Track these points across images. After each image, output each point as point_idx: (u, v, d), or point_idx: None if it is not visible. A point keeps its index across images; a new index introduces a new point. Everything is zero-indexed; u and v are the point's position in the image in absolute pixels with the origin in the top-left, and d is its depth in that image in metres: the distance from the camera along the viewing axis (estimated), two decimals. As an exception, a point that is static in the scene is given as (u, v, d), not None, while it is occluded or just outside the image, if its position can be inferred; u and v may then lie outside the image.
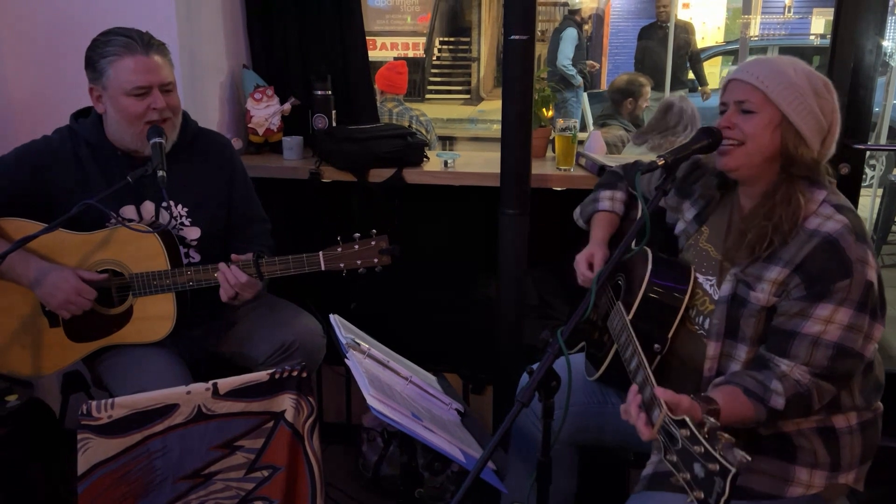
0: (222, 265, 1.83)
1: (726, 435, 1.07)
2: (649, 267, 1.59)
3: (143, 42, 1.80)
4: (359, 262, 1.80)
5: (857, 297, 1.36)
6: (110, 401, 1.50)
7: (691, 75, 7.06)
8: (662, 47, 6.76)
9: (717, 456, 1.04)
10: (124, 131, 1.84)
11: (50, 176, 1.87)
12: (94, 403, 1.49)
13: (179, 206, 1.95)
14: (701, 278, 1.59)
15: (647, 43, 6.84)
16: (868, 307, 1.37)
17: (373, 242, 1.79)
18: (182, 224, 1.96)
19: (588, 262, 1.79)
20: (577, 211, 1.95)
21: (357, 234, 1.80)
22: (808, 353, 1.38)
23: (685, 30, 6.97)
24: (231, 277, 1.81)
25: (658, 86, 6.71)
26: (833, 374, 1.39)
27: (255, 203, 2.12)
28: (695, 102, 3.34)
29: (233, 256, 1.85)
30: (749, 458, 1.04)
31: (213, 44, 2.53)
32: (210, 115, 2.50)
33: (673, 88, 6.79)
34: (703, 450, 1.07)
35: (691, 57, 6.94)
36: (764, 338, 1.47)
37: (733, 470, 1.02)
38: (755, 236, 1.45)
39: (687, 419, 1.12)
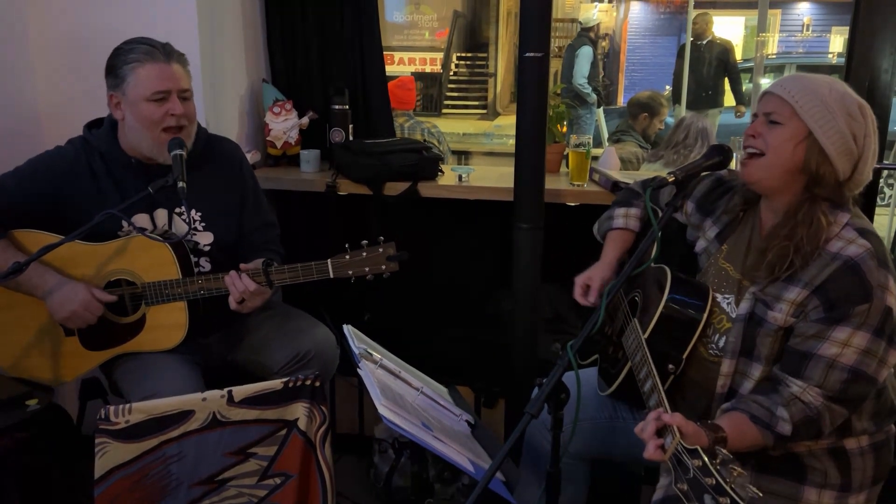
0: (232, 273, 1.85)
1: (738, 469, 1.07)
2: (668, 287, 1.58)
3: (164, 51, 1.84)
4: (367, 268, 1.82)
5: (876, 322, 1.36)
6: (128, 406, 1.53)
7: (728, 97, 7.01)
8: (701, 65, 6.74)
9: (729, 490, 1.04)
10: (142, 138, 1.87)
11: (65, 186, 1.89)
12: (112, 408, 1.51)
13: (193, 211, 1.97)
14: (719, 297, 1.59)
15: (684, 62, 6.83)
16: (885, 333, 1.37)
17: (380, 249, 1.82)
18: (195, 229, 1.98)
19: (585, 285, 1.79)
20: (595, 227, 1.97)
21: (365, 242, 1.82)
22: (823, 376, 1.38)
23: (724, 48, 6.91)
24: (240, 285, 1.83)
25: (697, 103, 6.69)
26: (845, 397, 1.39)
27: (264, 208, 2.14)
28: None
29: (241, 266, 1.86)
30: (761, 495, 1.05)
31: (234, 58, 2.58)
32: (230, 127, 2.54)
33: (711, 107, 6.78)
34: (714, 482, 1.07)
35: (730, 75, 6.89)
36: (779, 357, 1.46)
37: None
38: (775, 257, 1.44)
39: (699, 449, 1.12)
